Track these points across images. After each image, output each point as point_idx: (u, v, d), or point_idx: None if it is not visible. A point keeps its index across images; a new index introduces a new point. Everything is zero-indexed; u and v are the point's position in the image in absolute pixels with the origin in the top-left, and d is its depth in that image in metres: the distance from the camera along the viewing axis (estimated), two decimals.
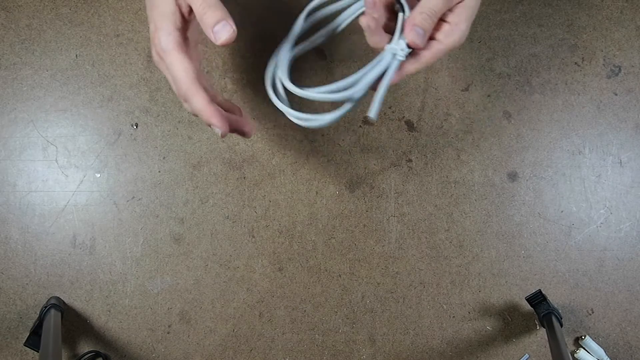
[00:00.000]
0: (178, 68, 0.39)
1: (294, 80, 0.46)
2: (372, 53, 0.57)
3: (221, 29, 0.39)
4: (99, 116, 0.55)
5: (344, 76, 0.56)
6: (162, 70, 0.42)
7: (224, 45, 0.40)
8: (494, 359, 0.57)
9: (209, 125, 0.41)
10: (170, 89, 0.56)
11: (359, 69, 0.56)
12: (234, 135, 0.56)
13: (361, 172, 0.57)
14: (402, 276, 0.57)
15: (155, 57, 0.42)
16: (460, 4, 0.42)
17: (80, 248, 0.55)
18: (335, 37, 0.57)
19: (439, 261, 0.57)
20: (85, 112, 0.55)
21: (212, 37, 0.39)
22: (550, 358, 0.48)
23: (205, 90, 0.40)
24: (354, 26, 0.57)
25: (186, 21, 0.41)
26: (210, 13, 0.39)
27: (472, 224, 0.56)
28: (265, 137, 0.56)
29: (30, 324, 0.54)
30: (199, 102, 0.40)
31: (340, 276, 0.57)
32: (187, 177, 0.56)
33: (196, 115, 0.42)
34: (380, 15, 0.43)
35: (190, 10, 0.41)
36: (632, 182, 0.57)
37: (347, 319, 0.57)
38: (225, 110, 0.44)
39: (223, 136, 0.41)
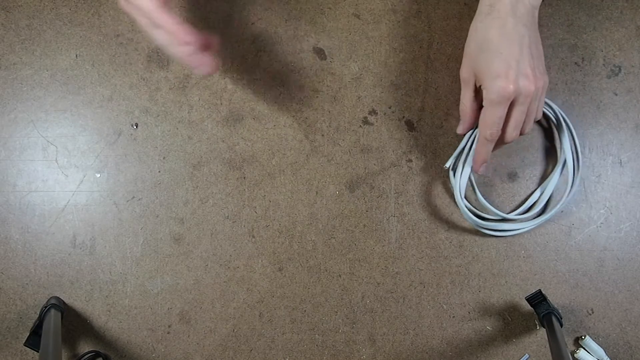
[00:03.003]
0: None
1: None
2: (372, 53, 0.57)
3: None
4: (99, 116, 0.55)
5: (343, 76, 0.56)
6: (131, 14, 0.43)
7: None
8: (494, 359, 0.57)
9: (185, 47, 0.42)
10: (170, 88, 0.56)
11: (358, 68, 0.57)
12: (234, 135, 0.56)
13: (361, 172, 0.57)
14: (402, 276, 0.57)
15: (121, 2, 0.43)
16: None
17: (80, 248, 0.55)
18: (335, 37, 0.57)
19: (439, 261, 0.57)
20: (85, 112, 0.55)
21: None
22: (550, 358, 0.48)
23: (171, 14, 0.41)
24: (354, 26, 0.57)
25: None
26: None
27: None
28: (265, 137, 0.56)
29: (30, 324, 0.54)
30: (170, 22, 0.40)
31: (340, 276, 0.57)
32: (187, 177, 0.56)
33: (170, 49, 0.43)
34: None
35: None
36: (632, 182, 0.57)
37: (347, 319, 0.57)
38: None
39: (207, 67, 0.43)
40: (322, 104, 0.56)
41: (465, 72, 0.49)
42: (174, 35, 0.41)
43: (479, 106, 0.50)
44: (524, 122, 0.48)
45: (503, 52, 0.44)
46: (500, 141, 0.49)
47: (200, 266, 0.56)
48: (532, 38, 0.46)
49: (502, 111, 0.46)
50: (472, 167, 0.54)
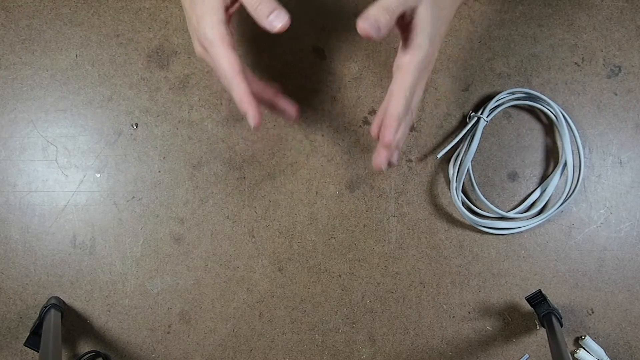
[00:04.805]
0: (223, 61, 0.42)
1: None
2: (372, 53, 0.57)
3: (275, 18, 0.41)
4: (99, 116, 0.55)
5: (343, 76, 0.56)
6: (206, 61, 0.45)
7: (279, 33, 0.43)
8: (494, 359, 0.57)
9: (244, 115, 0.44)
10: (170, 88, 0.56)
11: (358, 68, 0.57)
12: (234, 135, 0.56)
13: (361, 172, 0.57)
14: (402, 276, 0.57)
15: (198, 49, 0.45)
16: (414, 19, 0.42)
17: (80, 248, 0.55)
18: (335, 37, 0.57)
19: (439, 261, 0.57)
20: (85, 112, 0.55)
21: (267, 26, 0.41)
22: (550, 358, 0.48)
23: (246, 79, 0.43)
24: (354, 26, 0.57)
25: (229, 14, 0.43)
26: (265, 3, 0.41)
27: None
28: (265, 137, 0.56)
29: (30, 324, 0.54)
30: (239, 93, 0.42)
31: (340, 276, 0.57)
32: (187, 177, 0.56)
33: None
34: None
35: (233, 3, 0.43)
36: (632, 182, 0.57)
37: (347, 319, 0.57)
38: (265, 95, 0.48)
39: (255, 129, 0.45)
40: (322, 104, 0.56)
41: None
42: (239, 105, 0.43)
43: None
44: None
45: None
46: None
47: (200, 266, 0.56)
48: None
49: None
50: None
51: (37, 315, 0.52)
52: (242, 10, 0.56)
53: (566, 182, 0.55)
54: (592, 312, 0.57)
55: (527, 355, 0.57)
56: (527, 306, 0.55)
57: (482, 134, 0.55)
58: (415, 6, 0.41)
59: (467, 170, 0.55)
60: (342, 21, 0.57)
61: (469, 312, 0.57)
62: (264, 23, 0.41)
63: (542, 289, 0.53)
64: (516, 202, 0.57)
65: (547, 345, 0.53)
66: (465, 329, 0.57)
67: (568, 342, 0.57)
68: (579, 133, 0.55)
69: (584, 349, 0.56)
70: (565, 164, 0.55)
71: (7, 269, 0.55)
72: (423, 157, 0.57)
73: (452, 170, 0.55)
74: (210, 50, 0.42)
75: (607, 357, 0.56)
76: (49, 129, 0.55)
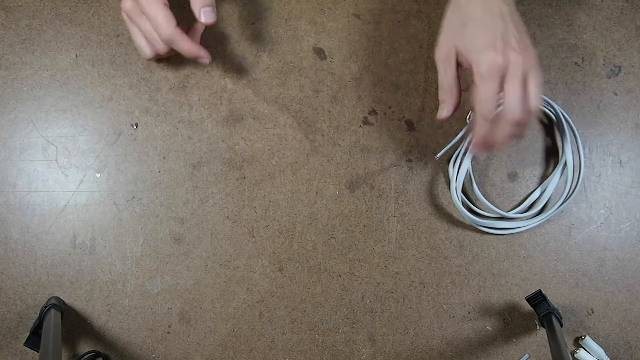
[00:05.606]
0: (161, 17, 0.47)
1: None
2: (372, 53, 0.57)
3: (207, 13, 0.47)
4: (99, 116, 0.55)
5: (343, 76, 0.56)
6: (134, 22, 0.49)
7: (206, 25, 0.49)
8: (494, 359, 0.57)
9: (194, 59, 0.50)
10: (170, 88, 0.56)
11: (358, 68, 0.57)
12: (234, 135, 0.56)
13: (361, 172, 0.57)
14: (402, 276, 0.57)
15: (127, 5, 0.48)
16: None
17: (80, 248, 0.55)
18: (335, 37, 0.57)
19: (439, 261, 0.57)
20: (85, 112, 0.55)
21: (198, 15, 0.47)
22: (550, 358, 0.48)
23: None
24: (354, 26, 0.57)
25: None
26: None
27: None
28: (265, 137, 0.56)
29: (30, 324, 0.54)
30: (186, 44, 0.48)
31: (340, 276, 0.57)
32: (187, 177, 0.56)
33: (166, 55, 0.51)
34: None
35: None
36: (632, 182, 0.57)
37: (347, 319, 0.57)
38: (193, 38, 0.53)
39: (210, 62, 0.51)
40: (322, 104, 0.56)
41: (444, 50, 0.48)
42: (188, 53, 0.49)
43: (460, 86, 0.49)
44: (528, 98, 0.45)
45: (489, 25, 0.45)
46: (509, 119, 0.45)
47: (200, 266, 0.56)
48: (514, 14, 0.46)
49: (495, 85, 0.44)
50: (472, 155, 0.54)
51: (37, 315, 0.52)
52: (239, 11, 0.56)
53: (566, 182, 0.55)
54: (592, 312, 0.57)
55: (527, 355, 0.57)
56: (527, 306, 0.55)
57: None
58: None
59: (467, 170, 0.55)
60: (342, 21, 0.57)
61: (469, 312, 0.57)
62: (196, 12, 0.47)
63: (542, 289, 0.53)
64: (516, 202, 0.57)
65: (547, 345, 0.53)
66: (465, 329, 0.57)
67: (568, 342, 0.57)
68: (579, 133, 0.55)
69: (584, 349, 0.56)
70: (565, 164, 0.55)
71: (7, 269, 0.55)
72: (423, 157, 0.57)
73: (452, 170, 0.55)
74: (146, 7, 0.46)
75: (607, 357, 0.56)
76: (49, 129, 0.55)
